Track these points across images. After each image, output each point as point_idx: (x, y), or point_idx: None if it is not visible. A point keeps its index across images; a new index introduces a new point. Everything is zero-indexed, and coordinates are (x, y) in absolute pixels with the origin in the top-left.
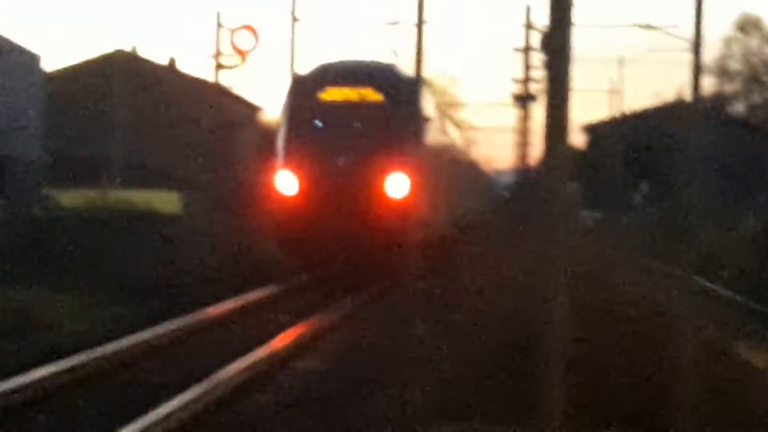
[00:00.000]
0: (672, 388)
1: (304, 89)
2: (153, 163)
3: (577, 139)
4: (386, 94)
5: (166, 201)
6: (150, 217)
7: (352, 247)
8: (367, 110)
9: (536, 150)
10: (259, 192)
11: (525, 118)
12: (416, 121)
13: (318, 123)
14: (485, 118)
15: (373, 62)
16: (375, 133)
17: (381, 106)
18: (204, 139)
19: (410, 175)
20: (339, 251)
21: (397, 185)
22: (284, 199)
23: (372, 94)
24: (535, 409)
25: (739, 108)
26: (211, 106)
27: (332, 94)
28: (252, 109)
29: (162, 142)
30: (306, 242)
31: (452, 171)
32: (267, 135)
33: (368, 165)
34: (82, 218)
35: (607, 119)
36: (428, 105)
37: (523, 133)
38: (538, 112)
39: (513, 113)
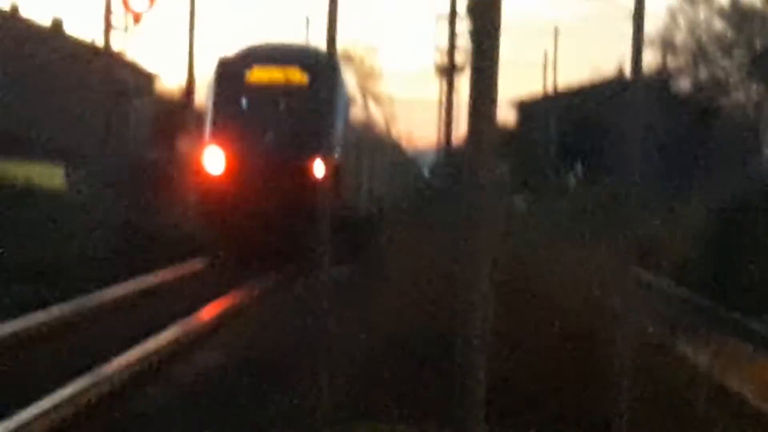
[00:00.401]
0: (605, 389)
1: (230, 70)
2: (35, 133)
3: (507, 116)
4: (310, 76)
5: (48, 175)
6: (30, 193)
7: (271, 225)
8: (291, 92)
9: (462, 127)
10: (159, 169)
11: (449, 91)
12: (338, 103)
13: (243, 103)
14: (406, 90)
15: (297, 45)
16: (299, 115)
17: (305, 88)
18: (93, 109)
19: (331, 157)
20: (259, 229)
21: (318, 166)
22: (210, 176)
23: (296, 76)
24: (449, 407)
25: (684, 84)
26: (99, 73)
27: (258, 75)
28: (147, 77)
29: (45, 111)
30: (229, 218)
31: (373, 153)
32: (168, 110)
33: (292, 145)
34: None
35: (540, 95)
36: (351, 86)
37: (448, 107)
38: (465, 84)
39: (436, 85)
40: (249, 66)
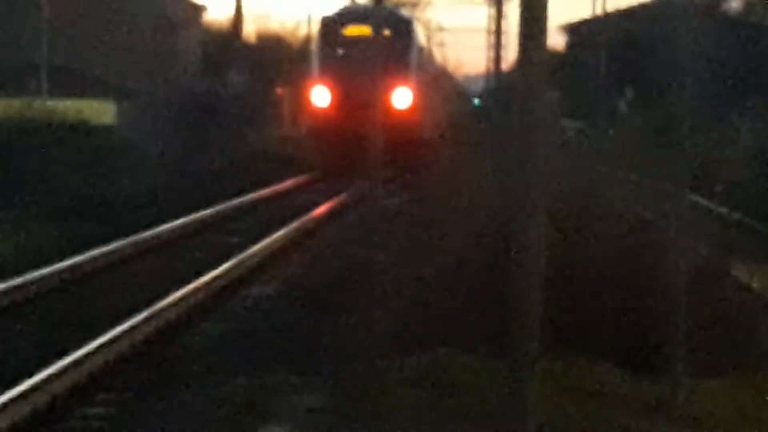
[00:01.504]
0: (664, 316)
1: (331, 27)
2: (84, 68)
3: (557, 41)
4: (391, 30)
5: (99, 111)
6: (82, 129)
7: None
8: (378, 44)
9: (511, 53)
10: (208, 102)
11: (498, 17)
12: (412, 50)
13: (341, 52)
14: (455, 18)
15: (382, 7)
16: (385, 60)
17: (388, 39)
18: (142, 42)
19: (410, 91)
20: (356, 146)
21: (401, 98)
22: (318, 108)
23: (381, 32)
24: (508, 335)
25: (734, 5)
26: (147, 5)
27: (351, 30)
28: (195, 9)
29: (94, 46)
30: (332, 139)
31: (438, 86)
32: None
33: (380, 83)
34: (6, 130)
35: (589, 18)
36: (420, 37)
37: (497, 33)
38: (514, 10)
39: (485, 12)
40: (344, 24)
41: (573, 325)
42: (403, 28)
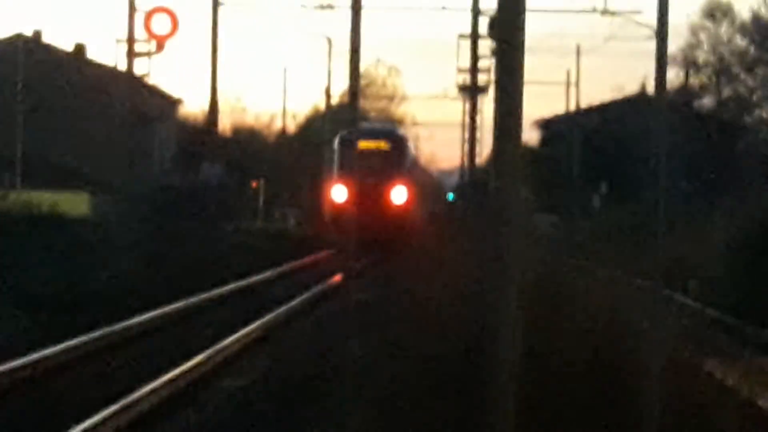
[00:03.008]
0: (637, 410)
1: (347, 141)
2: (60, 160)
3: (531, 136)
4: (391, 144)
5: (74, 202)
6: (57, 221)
7: (374, 227)
8: (382, 154)
9: (486, 147)
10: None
11: (473, 111)
12: (407, 159)
13: (355, 160)
14: (429, 112)
15: (385, 126)
16: (386, 167)
17: (389, 151)
18: (117, 135)
19: (406, 190)
20: (367, 230)
21: (399, 196)
22: (337, 203)
23: (383, 145)
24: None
25: (707, 102)
26: (123, 98)
27: (363, 144)
28: (170, 102)
29: (69, 138)
30: (350, 225)
31: (423, 185)
32: (192, 134)
33: (384, 184)
34: None
35: (563, 114)
36: (412, 148)
37: (471, 128)
38: (488, 105)
39: (459, 107)
40: (358, 139)
41: (547, 417)
42: (400, 143)
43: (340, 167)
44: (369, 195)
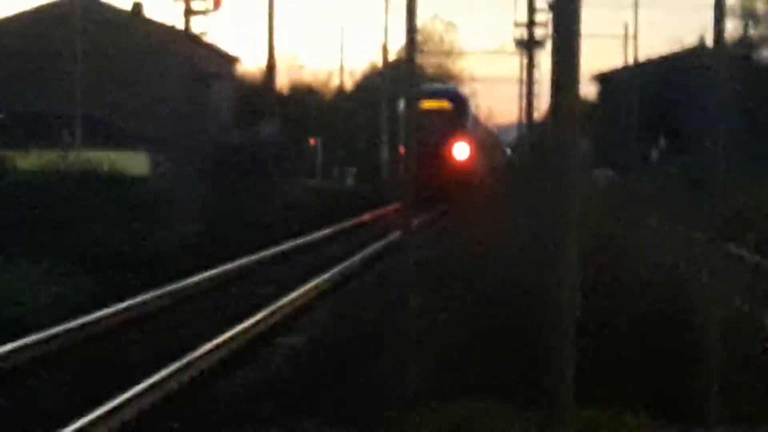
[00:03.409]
0: (698, 364)
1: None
2: (118, 120)
3: (589, 90)
4: (453, 104)
5: (133, 162)
6: (117, 180)
7: (438, 184)
8: (443, 114)
9: (543, 102)
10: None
11: (530, 66)
12: (468, 118)
13: (420, 119)
14: (487, 68)
15: (447, 86)
16: (449, 125)
17: (451, 111)
18: (176, 94)
19: (467, 147)
20: (436, 188)
21: (462, 152)
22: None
23: (445, 104)
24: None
25: (766, 54)
26: (180, 58)
27: (426, 104)
28: (228, 60)
29: (128, 97)
30: (420, 185)
31: (483, 142)
32: (249, 93)
33: (447, 141)
34: (42, 181)
35: (620, 67)
36: (473, 108)
37: (528, 83)
38: (545, 59)
39: (516, 62)
40: (422, 99)
41: (607, 373)
42: (461, 102)
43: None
44: (433, 152)
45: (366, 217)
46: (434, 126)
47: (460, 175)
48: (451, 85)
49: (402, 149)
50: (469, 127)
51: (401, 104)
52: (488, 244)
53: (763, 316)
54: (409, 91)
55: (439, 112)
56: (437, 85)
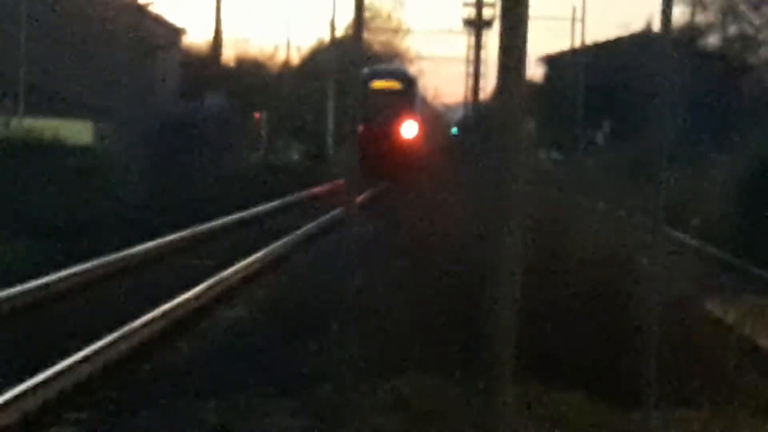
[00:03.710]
0: (637, 346)
1: (363, 81)
2: (62, 88)
3: (535, 71)
4: (402, 83)
5: (77, 131)
6: (59, 149)
7: (386, 159)
8: (393, 93)
9: (490, 83)
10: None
11: (477, 46)
12: (415, 97)
13: (370, 98)
14: (434, 47)
15: (396, 67)
16: (397, 105)
17: (400, 90)
18: (121, 63)
19: (414, 124)
20: (379, 161)
21: (409, 130)
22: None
23: (395, 85)
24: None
25: (713, 41)
26: (127, 28)
27: (376, 84)
28: (174, 31)
29: (73, 66)
30: (365, 158)
31: (430, 121)
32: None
33: (396, 120)
34: None
35: (568, 50)
36: (419, 89)
37: (475, 63)
38: (493, 40)
39: (464, 41)
40: (371, 79)
41: (546, 352)
42: (409, 83)
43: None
44: (382, 130)
45: (313, 191)
46: (383, 105)
47: (408, 151)
48: (400, 65)
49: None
50: (416, 106)
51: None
52: (433, 220)
53: (704, 301)
54: (354, 68)
55: (388, 92)
56: (387, 66)
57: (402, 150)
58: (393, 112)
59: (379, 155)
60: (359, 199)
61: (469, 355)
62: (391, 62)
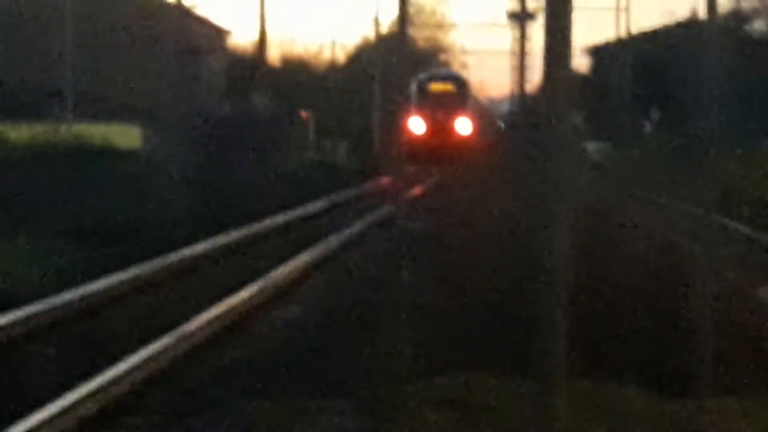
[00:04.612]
0: (690, 337)
1: (422, 83)
2: (109, 93)
3: (581, 62)
4: (456, 86)
5: (125, 135)
6: (108, 153)
7: (443, 153)
8: (448, 94)
9: (535, 75)
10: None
11: (522, 39)
12: (468, 98)
13: (428, 97)
14: (478, 41)
15: (451, 72)
16: (452, 104)
17: (454, 92)
18: (167, 67)
19: (469, 122)
20: (437, 155)
21: (464, 126)
22: (414, 134)
23: (450, 87)
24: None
25: (759, 26)
26: (171, 30)
27: (434, 86)
28: (219, 33)
29: (119, 70)
30: (422, 152)
31: (481, 118)
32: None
33: (452, 117)
34: (33, 154)
35: (613, 40)
36: (472, 90)
37: (520, 55)
38: (537, 32)
39: (508, 34)
40: (429, 82)
41: (599, 346)
42: (462, 85)
43: (417, 104)
44: (440, 126)
45: (358, 190)
46: (441, 105)
47: (463, 145)
48: (454, 71)
49: (407, 124)
50: (469, 106)
51: (413, 86)
52: (486, 212)
53: (756, 290)
54: (402, 65)
55: (445, 94)
56: (442, 70)
57: (458, 144)
58: (449, 111)
59: (438, 149)
60: (413, 192)
61: (522, 352)
62: (438, 62)
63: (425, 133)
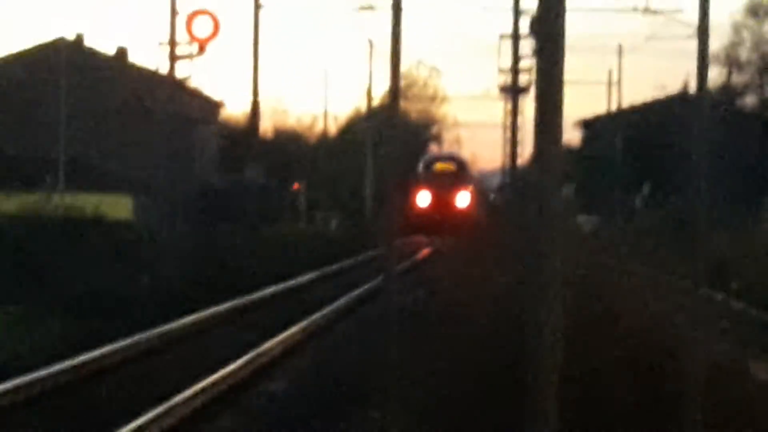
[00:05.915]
0: (681, 412)
1: (428, 162)
2: (102, 163)
3: (572, 135)
4: (457, 166)
5: (117, 205)
6: (100, 224)
7: (445, 223)
8: (450, 173)
9: (527, 148)
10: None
11: (514, 112)
12: (468, 176)
13: (432, 176)
14: (471, 113)
15: (452, 153)
16: (453, 181)
17: (455, 171)
18: (160, 137)
19: (468, 197)
20: (440, 225)
21: (464, 201)
22: (420, 206)
23: (451, 167)
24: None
25: (749, 101)
26: (164, 102)
27: (437, 166)
28: (212, 105)
29: (111, 141)
30: (426, 223)
31: (478, 193)
32: (233, 137)
33: (453, 193)
34: (24, 225)
35: (604, 114)
36: (470, 168)
37: (512, 128)
38: (529, 106)
39: (500, 107)
40: (434, 162)
41: (589, 418)
42: (462, 165)
43: (422, 181)
44: (443, 200)
45: (351, 261)
46: (443, 182)
47: (463, 216)
48: (454, 152)
49: (414, 198)
50: (468, 182)
51: (420, 165)
52: (475, 286)
53: (748, 364)
54: (391, 137)
55: (447, 173)
56: (444, 152)
57: (458, 215)
58: (451, 187)
59: (440, 219)
60: (407, 262)
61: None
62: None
63: (429, 205)
